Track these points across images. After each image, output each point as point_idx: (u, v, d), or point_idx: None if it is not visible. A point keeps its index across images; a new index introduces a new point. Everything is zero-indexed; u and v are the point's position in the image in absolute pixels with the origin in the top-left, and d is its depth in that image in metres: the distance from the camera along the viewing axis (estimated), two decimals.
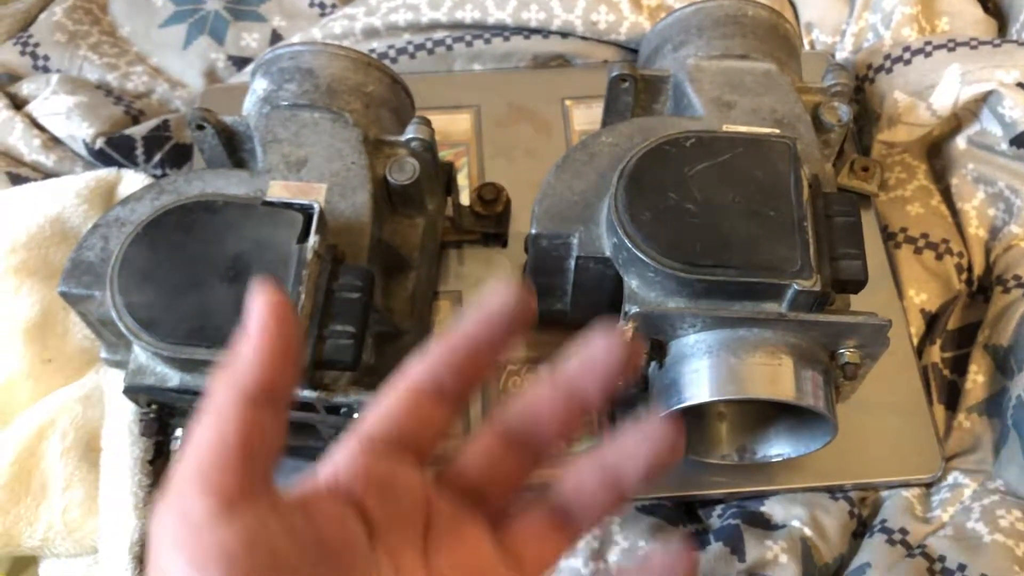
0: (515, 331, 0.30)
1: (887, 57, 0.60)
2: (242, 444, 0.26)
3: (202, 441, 0.26)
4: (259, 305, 0.27)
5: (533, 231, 0.47)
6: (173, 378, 0.43)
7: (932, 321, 0.56)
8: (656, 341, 0.44)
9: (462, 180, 0.61)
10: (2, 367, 0.52)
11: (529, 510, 0.32)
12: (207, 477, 0.25)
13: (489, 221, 0.58)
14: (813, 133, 0.49)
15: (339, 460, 0.29)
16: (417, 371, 0.30)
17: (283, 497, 0.27)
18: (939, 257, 0.57)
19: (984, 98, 0.57)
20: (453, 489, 0.31)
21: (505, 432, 0.31)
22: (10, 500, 0.49)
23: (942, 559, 0.47)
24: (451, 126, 0.63)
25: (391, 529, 0.28)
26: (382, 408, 0.30)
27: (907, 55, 0.59)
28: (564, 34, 0.65)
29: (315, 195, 0.46)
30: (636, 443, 0.31)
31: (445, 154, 0.61)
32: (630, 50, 0.65)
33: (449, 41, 0.64)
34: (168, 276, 0.42)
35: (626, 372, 0.30)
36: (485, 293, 0.31)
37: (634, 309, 0.43)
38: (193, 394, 0.43)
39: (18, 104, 0.63)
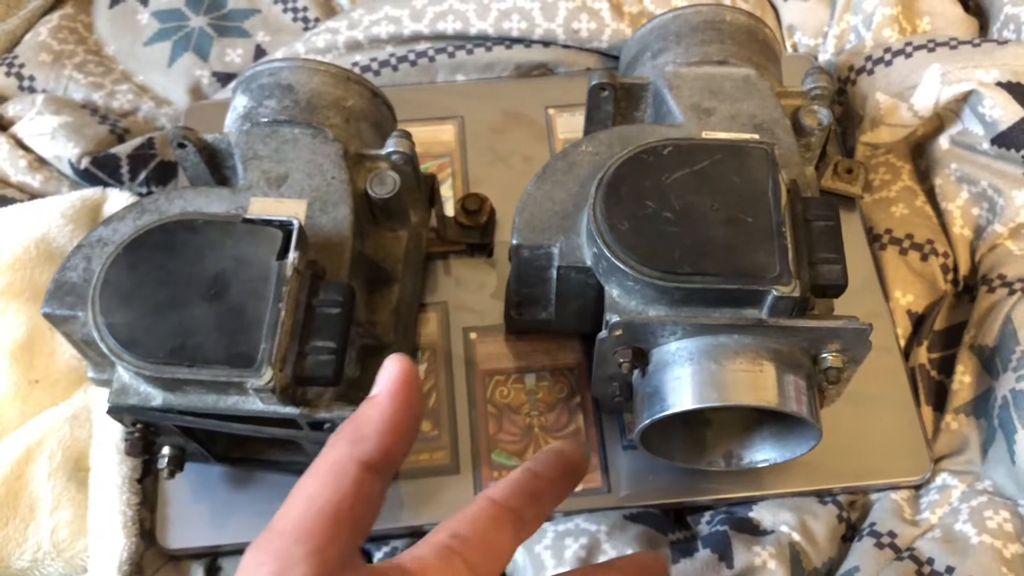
0: (576, 480, 0.33)
1: (868, 59, 0.60)
2: (352, 512, 0.26)
3: (316, 498, 0.26)
4: (393, 372, 0.27)
5: (514, 242, 0.47)
6: (156, 397, 0.43)
7: (919, 322, 0.56)
8: (638, 349, 0.44)
9: (447, 191, 0.61)
10: None
11: None
12: (314, 538, 0.25)
13: (474, 231, 0.58)
14: (793, 137, 0.50)
15: (429, 557, 0.29)
16: (503, 492, 0.30)
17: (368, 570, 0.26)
18: (924, 258, 0.57)
19: (965, 98, 0.57)
20: None
21: None
22: None
23: (931, 561, 0.47)
24: (435, 137, 0.63)
25: None
26: (471, 514, 0.30)
27: (888, 56, 0.59)
28: (546, 43, 0.65)
29: (295, 211, 0.46)
30: None
31: (429, 165, 0.61)
32: (612, 57, 0.65)
33: (431, 53, 0.65)
34: (149, 296, 0.42)
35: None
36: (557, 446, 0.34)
37: (615, 318, 0.43)
38: (176, 413, 0.43)
39: (3, 125, 0.63)
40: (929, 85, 0.57)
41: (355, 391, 0.46)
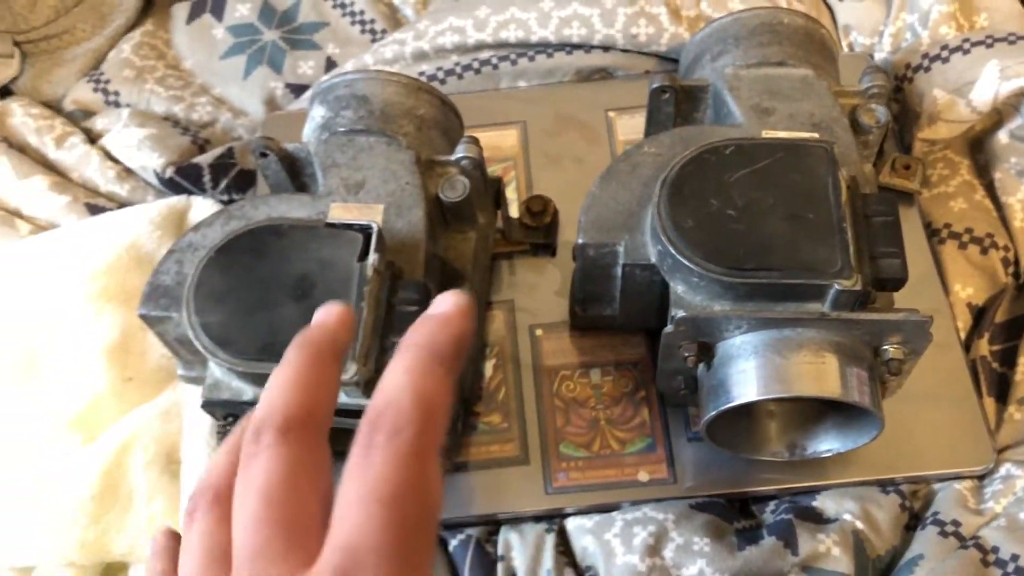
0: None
1: (925, 56, 0.61)
2: None
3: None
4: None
5: (580, 241, 0.49)
6: (247, 392, 0.46)
7: (979, 315, 0.57)
8: (703, 343, 0.46)
9: (511, 193, 0.63)
10: (88, 386, 0.56)
11: None
12: None
13: (538, 232, 0.60)
14: (851, 135, 0.51)
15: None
16: None
17: None
18: (984, 251, 0.57)
19: None
20: None
21: None
22: (100, 510, 0.52)
23: (995, 550, 0.48)
24: (499, 141, 0.65)
25: None
26: None
27: (945, 53, 0.60)
28: (606, 48, 0.67)
29: (373, 215, 0.49)
30: None
31: (494, 169, 0.63)
32: (671, 60, 0.67)
33: (495, 60, 0.67)
34: (240, 296, 0.45)
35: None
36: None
37: (680, 313, 0.45)
38: None
39: (93, 138, 0.67)
40: (988, 81, 0.57)
41: None
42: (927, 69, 0.61)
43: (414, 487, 0.27)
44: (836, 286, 0.43)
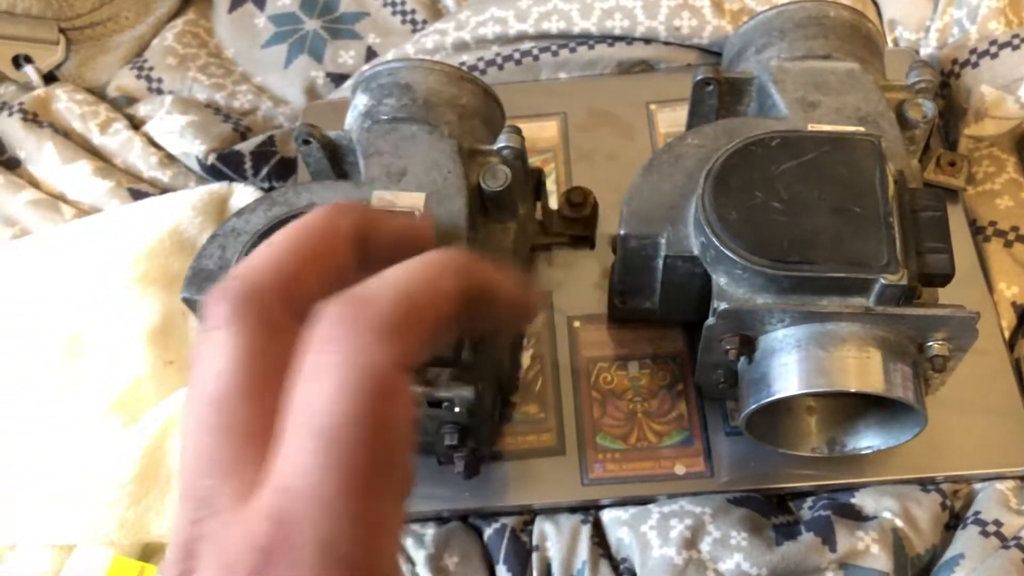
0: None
1: (973, 51, 0.60)
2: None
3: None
4: None
5: (622, 232, 0.49)
6: None
7: None
8: (745, 336, 0.46)
9: (550, 185, 0.63)
10: (129, 369, 0.57)
11: None
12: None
13: (577, 224, 0.60)
14: (898, 130, 0.50)
15: None
16: None
17: None
18: None
19: None
20: None
21: None
22: (140, 491, 0.53)
23: None
24: (538, 133, 0.65)
25: None
26: None
27: (994, 49, 0.59)
28: (648, 40, 0.66)
29: (415, 203, 0.49)
30: None
31: (533, 160, 0.63)
32: (713, 53, 0.67)
33: (536, 51, 0.67)
34: None
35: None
36: None
37: (723, 306, 0.45)
38: None
39: (136, 124, 0.68)
40: None
41: (467, 373, 0.48)
42: (975, 65, 0.60)
43: (367, 419, 0.21)
44: (882, 280, 0.43)
